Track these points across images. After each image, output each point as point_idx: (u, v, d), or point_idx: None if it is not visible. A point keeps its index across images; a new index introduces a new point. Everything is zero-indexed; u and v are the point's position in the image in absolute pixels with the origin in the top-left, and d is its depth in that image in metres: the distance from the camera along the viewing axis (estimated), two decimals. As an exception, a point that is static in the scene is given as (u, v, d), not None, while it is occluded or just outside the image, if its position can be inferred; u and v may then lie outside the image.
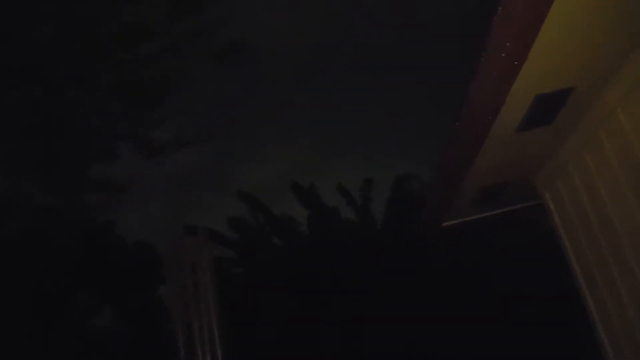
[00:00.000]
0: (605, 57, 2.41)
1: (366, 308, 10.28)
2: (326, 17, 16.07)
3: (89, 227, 10.75)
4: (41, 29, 8.17)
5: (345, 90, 18.24)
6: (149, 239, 11.58)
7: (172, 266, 5.02)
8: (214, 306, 4.72)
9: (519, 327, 8.50)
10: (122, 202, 10.23)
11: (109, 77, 8.93)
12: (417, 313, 9.83)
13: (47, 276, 9.59)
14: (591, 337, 3.32)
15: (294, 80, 17.11)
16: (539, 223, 3.89)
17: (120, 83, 8.92)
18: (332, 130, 19.16)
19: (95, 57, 8.51)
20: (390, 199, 12.14)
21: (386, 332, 9.90)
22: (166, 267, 5.25)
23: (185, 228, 11.22)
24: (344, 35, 17.26)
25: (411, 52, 17.35)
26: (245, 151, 18.33)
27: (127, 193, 10.09)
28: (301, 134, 19.49)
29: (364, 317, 10.21)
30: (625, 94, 2.53)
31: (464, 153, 2.99)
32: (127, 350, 11.04)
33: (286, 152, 20.05)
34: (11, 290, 8.89)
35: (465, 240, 8.69)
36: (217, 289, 4.80)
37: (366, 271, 10.66)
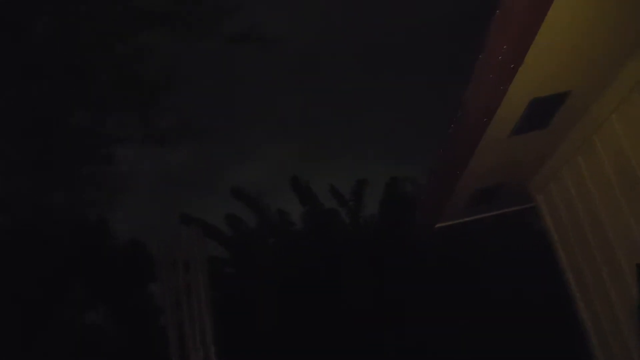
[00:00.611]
0: (601, 63, 2.42)
1: (359, 307, 10.29)
2: (324, 18, 16.09)
3: (82, 224, 10.71)
4: (39, 23, 8.11)
5: (341, 90, 18.27)
6: (142, 236, 11.55)
7: (165, 264, 4.99)
8: (206, 305, 4.70)
9: (510, 328, 8.54)
10: (117, 199, 10.18)
11: (108, 71, 8.87)
12: (410, 313, 9.86)
13: (39, 273, 9.54)
14: (581, 339, 3.35)
15: (290, 80, 17.12)
16: (532, 225, 3.92)
17: (118, 78, 8.86)
18: (326, 130, 19.20)
19: (94, 50, 8.45)
20: (383, 200, 12.16)
21: (380, 331, 9.93)
22: (158, 265, 5.22)
23: (181, 217, 11.26)
24: (341, 36, 17.28)
25: (408, 54, 17.40)
26: (240, 150, 18.32)
27: (121, 190, 10.04)
28: (296, 134, 19.51)
29: (358, 317, 10.22)
30: (621, 100, 2.55)
31: (459, 155, 3.00)
32: (117, 348, 11.00)
33: (280, 151, 20.07)
34: (3, 288, 8.84)
35: (458, 241, 8.72)
36: (209, 288, 4.78)
37: (360, 271, 10.67)
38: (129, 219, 11.71)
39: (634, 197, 2.63)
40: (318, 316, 10.21)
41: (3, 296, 8.92)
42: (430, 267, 10.17)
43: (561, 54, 2.28)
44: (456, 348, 8.83)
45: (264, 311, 10.51)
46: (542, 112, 2.68)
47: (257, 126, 17.62)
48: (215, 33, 9.02)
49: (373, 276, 10.61)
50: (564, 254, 3.41)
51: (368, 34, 16.83)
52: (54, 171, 9.21)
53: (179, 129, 9.64)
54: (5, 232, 9.43)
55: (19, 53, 8.00)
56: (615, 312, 2.94)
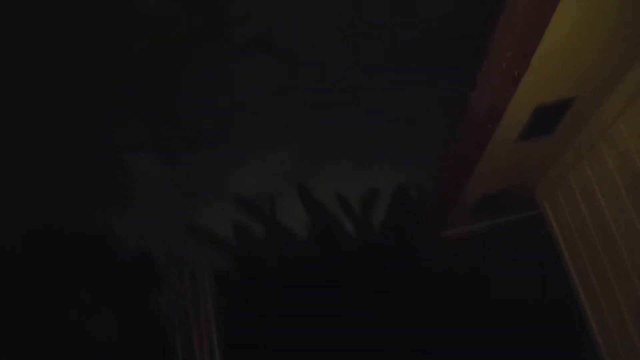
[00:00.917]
0: (606, 68, 2.42)
1: (365, 315, 10.26)
2: (325, 19, 16.07)
3: (87, 231, 10.72)
4: (42, 25, 8.13)
5: (345, 95, 18.23)
6: (147, 243, 11.56)
7: (171, 273, 5.00)
8: (212, 313, 4.70)
9: (516, 332, 8.50)
10: (121, 206, 10.19)
11: (111, 78, 8.90)
12: (415, 319, 9.83)
13: (44, 279, 9.56)
14: (588, 342, 3.33)
15: (293, 85, 17.11)
16: (537, 230, 3.90)
17: (122, 85, 8.89)
18: (331, 136, 19.14)
19: (96, 56, 8.47)
20: (390, 207, 12.12)
21: (385, 335, 9.90)
22: (165, 274, 5.23)
23: (187, 226, 11.28)
24: (344, 39, 17.26)
25: (413, 57, 17.35)
26: (241, 156, 18.28)
27: (126, 196, 10.05)
28: (296, 135, 19.43)
29: (363, 324, 10.19)
30: (626, 105, 2.55)
31: (464, 162, 3.00)
32: (122, 355, 11.00)
33: (281, 155, 20.02)
34: (9, 293, 8.85)
35: (463, 247, 8.68)
36: (216, 297, 4.78)
37: (364, 280, 10.65)
38: (133, 225, 11.72)
39: (641, 202, 2.62)
40: (322, 326, 10.18)
41: (8, 301, 8.93)
42: (435, 272, 10.14)
43: (566, 60, 2.29)
44: (461, 355, 8.79)
45: (268, 320, 10.49)
46: (548, 118, 2.68)
47: (257, 130, 17.56)
48: (218, 39, 9.05)
49: (377, 285, 10.58)
50: (569, 258, 3.40)
51: (368, 34, 16.77)
52: (59, 177, 9.24)
53: (183, 136, 9.67)
54: (10, 236, 9.45)
55: (22, 57, 8.03)
56: (622, 315, 2.92)
